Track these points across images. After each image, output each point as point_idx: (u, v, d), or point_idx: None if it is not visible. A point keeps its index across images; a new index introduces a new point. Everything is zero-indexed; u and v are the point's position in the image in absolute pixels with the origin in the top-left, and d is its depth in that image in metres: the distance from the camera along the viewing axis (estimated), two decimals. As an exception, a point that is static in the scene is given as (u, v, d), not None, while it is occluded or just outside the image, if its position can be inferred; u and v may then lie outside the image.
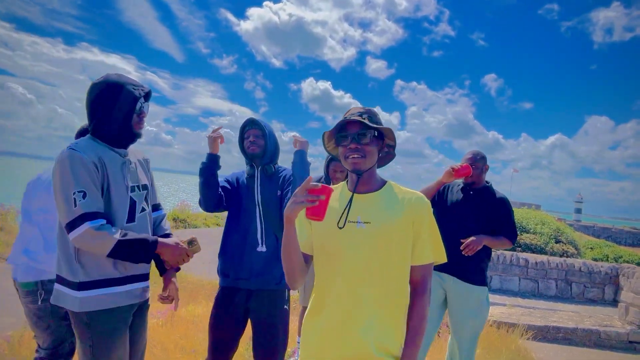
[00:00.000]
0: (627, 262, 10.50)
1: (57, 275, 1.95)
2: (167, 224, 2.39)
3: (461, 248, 3.05)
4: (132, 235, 1.92)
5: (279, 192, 2.66)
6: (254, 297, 2.59)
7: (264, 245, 2.60)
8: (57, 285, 1.95)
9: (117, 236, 1.86)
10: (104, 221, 1.87)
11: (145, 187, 2.17)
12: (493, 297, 7.19)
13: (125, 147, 2.08)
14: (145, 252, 1.96)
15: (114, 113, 1.98)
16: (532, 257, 8.34)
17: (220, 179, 2.74)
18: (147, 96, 2.10)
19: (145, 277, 2.15)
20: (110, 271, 1.94)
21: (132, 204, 2.05)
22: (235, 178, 2.80)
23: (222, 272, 2.67)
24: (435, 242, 1.66)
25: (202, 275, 6.92)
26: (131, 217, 2.04)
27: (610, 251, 11.76)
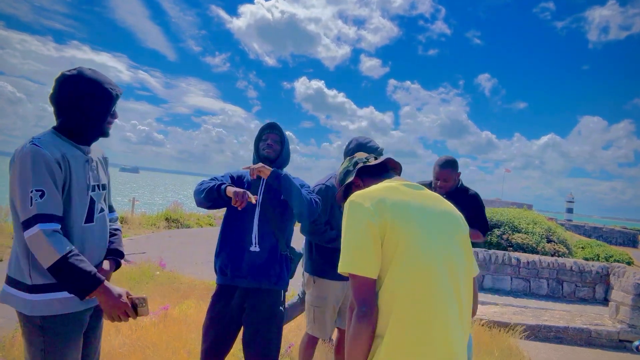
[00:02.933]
0: (618, 261, 10.59)
1: (7, 276, 1.84)
2: (116, 223, 2.23)
3: None
4: (79, 260, 1.76)
5: (282, 196, 2.64)
6: (250, 296, 2.58)
7: (257, 246, 2.59)
8: (5, 287, 1.84)
9: (64, 252, 1.72)
10: (58, 226, 1.76)
11: (104, 186, 2.10)
12: (485, 297, 7.23)
13: (89, 144, 2.00)
14: (81, 286, 1.76)
15: (87, 111, 1.88)
16: (524, 257, 8.39)
17: (225, 176, 2.74)
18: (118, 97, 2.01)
19: None
20: None
21: (92, 204, 1.97)
22: (239, 176, 2.78)
23: (220, 269, 2.66)
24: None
25: (194, 275, 6.90)
26: (90, 218, 1.95)
27: (601, 250, 11.86)
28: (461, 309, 1.49)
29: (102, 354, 3.39)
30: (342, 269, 1.44)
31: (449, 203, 1.71)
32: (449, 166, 3.24)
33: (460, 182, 3.40)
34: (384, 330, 1.40)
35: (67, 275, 1.74)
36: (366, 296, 1.40)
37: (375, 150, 2.97)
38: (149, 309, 1.92)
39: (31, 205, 1.72)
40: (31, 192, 1.73)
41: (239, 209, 2.41)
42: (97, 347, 2.14)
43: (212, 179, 2.66)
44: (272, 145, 2.73)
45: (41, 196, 1.74)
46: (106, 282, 1.83)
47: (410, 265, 1.42)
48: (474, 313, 1.68)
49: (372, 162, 1.80)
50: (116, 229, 2.21)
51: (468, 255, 1.62)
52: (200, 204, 2.65)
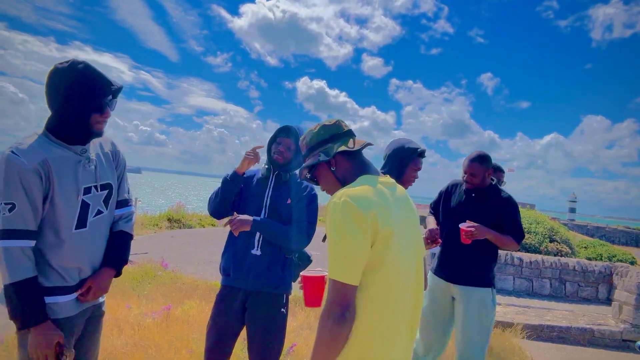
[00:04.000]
0: (621, 261, 10.56)
1: None
2: (128, 224, 2.12)
3: (464, 234, 3.02)
4: (30, 290, 1.69)
5: (289, 200, 2.64)
6: (251, 298, 2.58)
7: (258, 249, 2.58)
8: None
9: (15, 280, 1.66)
10: (29, 243, 1.70)
11: (106, 186, 1.97)
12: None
13: (83, 144, 1.88)
14: (22, 319, 1.70)
15: (70, 105, 1.77)
16: (527, 257, 8.37)
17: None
18: (115, 93, 1.88)
19: None
20: (58, 279, 1.81)
21: (84, 208, 1.87)
22: (249, 176, 2.76)
23: (224, 270, 2.66)
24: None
25: (197, 276, 6.90)
26: (82, 223, 1.86)
27: (604, 250, 11.81)
28: (417, 306, 1.59)
29: (104, 353, 3.41)
30: (333, 276, 1.41)
31: (409, 198, 1.71)
32: (477, 160, 3.18)
33: (495, 181, 3.32)
34: (355, 332, 1.43)
35: (10, 301, 1.69)
36: (350, 302, 1.40)
37: (414, 151, 2.81)
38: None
39: None
40: (0, 204, 1.66)
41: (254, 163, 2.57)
42: (96, 351, 2.09)
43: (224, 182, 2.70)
44: (283, 152, 2.65)
45: (10, 210, 1.66)
46: (48, 323, 1.75)
47: (388, 274, 1.46)
48: (425, 287, 1.77)
49: (353, 146, 1.66)
50: (125, 234, 2.09)
51: (421, 242, 1.68)
52: (215, 210, 2.67)
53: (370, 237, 1.42)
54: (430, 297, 3.25)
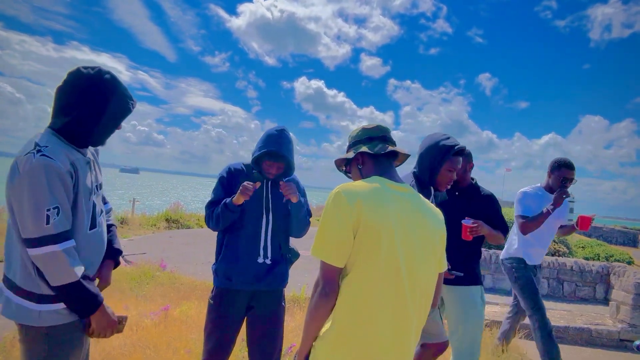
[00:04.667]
0: (618, 261, 10.58)
1: (9, 280, 1.77)
2: (111, 217, 2.20)
3: (468, 231, 3.00)
4: (88, 282, 1.79)
5: (284, 199, 2.61)
6: (255, 297, 2.59)
7: (267, 259, 2.57)
8: (9, 294, 1.76)
9: (79, 274, 1.73)
10: (74, 243, 1.75)
11: (101, 185, 2.04)
12: (485, 296, 7.22)
13: (87, 147, 1.92)
14: (86, 308, 1.79)
15: (97, 116, 1.80)
16: (525, 257, 8.38)
17: (219, 194, 2.66)
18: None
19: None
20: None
21: (94, 208, 1.91)
22: (234, 175, 2.67)
23: (224, 275, 2.58)
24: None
25: (195, 276, 6.90)
26: (94, 223, 1.90)
27: (602, 250, 11.83)
28: (416, 305, 1.67)
29: (103, 354, 3.41)
30: (313, 253, 1.61)
31: (428, 204, 1.82)
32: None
33: (474, 181, 3.37)
34: (338, 313, 1.60)
35: (75, 297, 1.75)
36: (331, 279, 1.60)
37: (450, 149, 2.63)
38: (124, 326, 1.99)
39: (47, 224, 1.66)
40: (48, 210, 1.66)
41: (248, 197, 2.46)
42: (88, 343, 2.08)
43: (212, 202, 2.64)
44: (273, 172, 2.59)
45: (58, 213, 1.69)
46: (104, 303, 1.85)
47: (373, 265, 1.58)
48: (434, 304, 1.85)
49: (379, 150, 1.81)
50: (111, 225, 2.16)
51: (436, 253, 1.77)
52: (217, 229, 2.66)
53: (351, 225, 1.57)
54: None
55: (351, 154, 1.86)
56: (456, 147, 2.63)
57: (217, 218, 2.56)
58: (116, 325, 1.91)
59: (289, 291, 2.68)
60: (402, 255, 1.61)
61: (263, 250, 2.57)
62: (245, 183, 2.46)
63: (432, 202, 3.13)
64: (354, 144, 1.89)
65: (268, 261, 2.57)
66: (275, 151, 2.51)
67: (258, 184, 2.48)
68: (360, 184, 1.66)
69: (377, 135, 1.86)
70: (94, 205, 1.91)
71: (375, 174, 1.77)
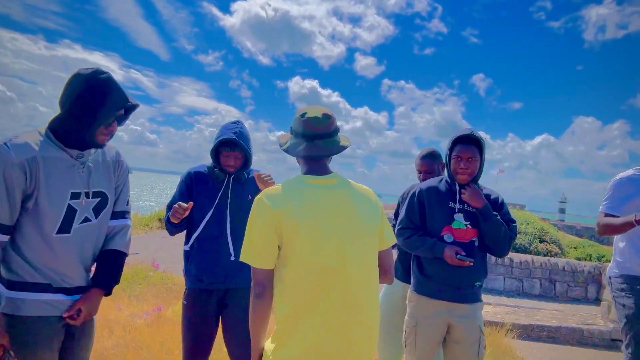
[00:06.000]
0: (610, 261, 10.67)
1: None
2: (124, 240, 2.04)
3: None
4: None
5: (249, 196, 2.57)
6: (228, 295, 2.57)
7: (234, 256, 2.55)
8: None
9: None
10: (3, 237, 1.70)
11: (98, 194, 1.92)
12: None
13: (80, 149, 1.85)
14: None
15: (78, 113, 1.77)
16: (517, 257, 8.43)
17: (175, 194, 2.66)
18: (129, 110, 1.88)
19: (82, 290, 1.91)
20: (28, 275, 1.76)
21: (70, 213, 1.82)
22: (194, 179, 2.64)
23: (195, 277, 2.57)
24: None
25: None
26: (65, 228, 1.81)
27: (593, 250, 11.93)
28: (358, 289, 1.68)
29: (95, 355, 3.38)
30: (242, 258, 1.68)
31: (357, 187, 1.80)
32: (428, 157, 3.23)
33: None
34: (278, 310, 1.67)
35: None
36: (261, 281, 1.67)
37: (468, 138, 2.55)
38: None
39: None
40: None
41: (184, 216, 2.41)
42: (85, 356, 2.03)
43: (168, 207, 2.61)
44: (234, 165, 2.57)
45: None
46: None
47: (302, 259, 1.62)
48: (390, 280, 1.89)
49: (303, 151, 1.75)
50: (119, 253, 2.02)
51: (373, 231, 1.76)
52: (176, 233, 2.63)
53: (274, 228, 1.62)
54: (389, 300, 3.11)
55: (286, 143, 1.81)
56: (456, 136, 2.60)
57: (167, 225, 2.58)
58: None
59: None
60: (331, 244, 1.64)
61: (233, 248, 2.55)
62: (176, 205, 2.41)
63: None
64: (291, 131, 1.82)
65: (234, 258, 2.54)
66: (229, 139, 2.50)
67: (191, 204, 2.41)
68: (281, 187, 1.70)
69: (308, 134, 1.75)
70: (72, 210, 1.83)
71: (301, 171, 1.79)
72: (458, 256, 2.47)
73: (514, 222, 2.72)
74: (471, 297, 2.60)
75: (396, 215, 3.28)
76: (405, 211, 2.74)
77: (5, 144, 1.70)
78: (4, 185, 1.67)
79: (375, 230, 1.78)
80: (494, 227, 2.56)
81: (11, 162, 1.67)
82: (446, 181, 2.70)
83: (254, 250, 1.66)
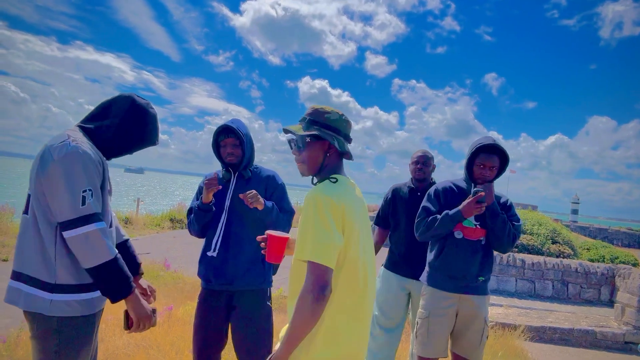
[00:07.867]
0: (623, 262, 10.53)
1: (22, 274, 1.78)
2: (120, 229, 2.20)
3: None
4: (123, 264, 1.81)
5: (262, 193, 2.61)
6: (236, 297, 2.60)
7: (215, 251, 2.58)
8: (20, 285, 1.78)
9: (115, 254, 1.77)
10: (106, 225, 1.80)
11: (111, 191, 2.10)
12: (490, 298, 7.20)
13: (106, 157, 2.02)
14: (120, 290, 1.79)
15: (129, 140, 2.00)
16: (529, 258, 8.35)
17: (197, 192, 2.76)
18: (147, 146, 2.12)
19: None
20: (86, 276, 1.79)
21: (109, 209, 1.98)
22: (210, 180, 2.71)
23: (205, 278, 2.66)
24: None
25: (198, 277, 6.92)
26: (110, 222, 1.95)
27: (607, 252, 11.78)
28: (372, 303, 1.74)
29: (107, 353, 3.41)
30: (312, 258, 1.53)
31: (364, 199, 1.85)
32: (426, 154, 3.53)
33: (433, 180, 3.53)
34: (329, 313, 1.58)
35: (110, 277, 1.77)
36: (327, 283, 1.53)
37: (476, 146, 2.76)
38: (156, 320, 1.98)
39: (83, 205, 1.72)
40: (83, 192, 1.73)
41: (215, 191, 2.55)
42: (97, 344, 2.10)
43: (189, 210, 2.74)
44: (232, 152, 2.62)
45: (92, 195, 1.76)
46: (136, 290, 1.87)
47: (353, 269, 1.62)
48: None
49: (343, 148, 1.75)
50: (125, 241, 2.19)
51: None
52: (199, 234, 2.72)
53: (341, 226, 1.58)
54: (385, 289, 3.46)
55: (335, 142, 1.71)
56: (481, 144, 2.79)
57: (192, 222, 2.68)
58: (152, 315, 1.91)
59: (274, 289, 2.65)
60: (362, 247, 1.67)
61: (214, 244, 2.60)
62: (206, 180, 2.56)
63: (397, 204, 3.53)
64: (330, 127, 1.74)
65: (214, 254, 2.60)
66: (222, 126, 2.63)
67: (215, 175, 2.56)
68: (337, 186, 1.65)
69: (347, 133, 1.78)
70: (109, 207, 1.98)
71: (335, 170, 1.77)
72: (472, 192, 2.73)
73: (519, 222, 2.92)
74: (477, 289, 2.83)
75: (378, 215, 3.72)
76: (423, 207, 2.98)
77: (79, 144, 1.79)
78: (97, 180, 1.81)
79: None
80: (500, 224, 2.77)
81: (95, 159, 1.81)
82: (459, 184, 2.96)
83: (324, 247, 1.53)
